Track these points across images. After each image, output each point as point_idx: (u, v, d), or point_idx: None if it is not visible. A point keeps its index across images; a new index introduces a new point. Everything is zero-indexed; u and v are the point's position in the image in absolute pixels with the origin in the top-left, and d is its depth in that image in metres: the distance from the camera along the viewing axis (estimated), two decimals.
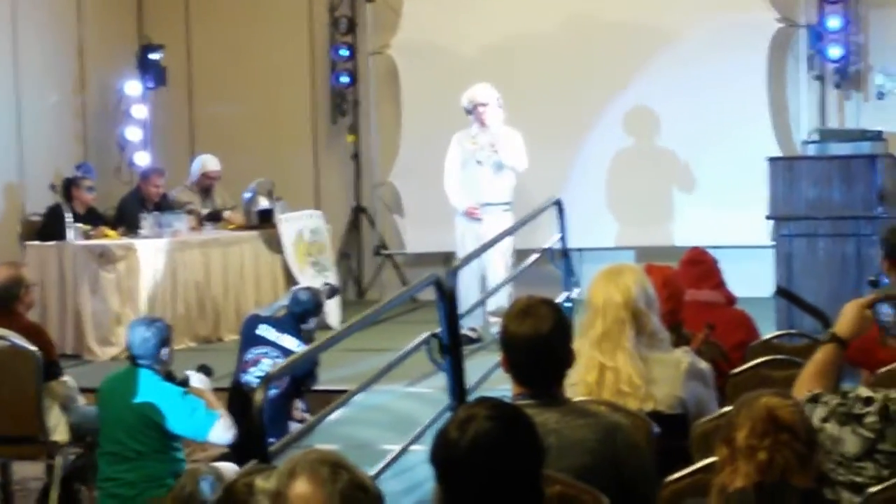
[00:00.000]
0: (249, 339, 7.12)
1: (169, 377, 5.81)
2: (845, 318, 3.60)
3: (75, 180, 9.77)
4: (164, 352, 5.76)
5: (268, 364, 6.84)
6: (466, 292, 7.91)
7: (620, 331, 4.03)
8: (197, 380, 5.96)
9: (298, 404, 6.99)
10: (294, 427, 6.44)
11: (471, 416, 2.66)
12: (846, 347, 3.56)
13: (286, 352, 6.87)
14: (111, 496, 5.62)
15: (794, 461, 2.75)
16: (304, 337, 7.13)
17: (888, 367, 4.19)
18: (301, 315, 7.20)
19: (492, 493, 2.62)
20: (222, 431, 5.71)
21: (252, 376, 6.89)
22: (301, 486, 2.34)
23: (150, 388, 5.64)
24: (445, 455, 2.65)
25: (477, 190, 8.87)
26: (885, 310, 3.60)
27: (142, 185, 10.23)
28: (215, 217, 10.20)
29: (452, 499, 2.66)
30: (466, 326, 7.74)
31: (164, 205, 10.02)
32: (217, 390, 6.22)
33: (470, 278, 8.40)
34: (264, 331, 7.06)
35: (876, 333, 3.67)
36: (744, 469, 2.77)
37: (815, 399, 3.23)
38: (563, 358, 3.48)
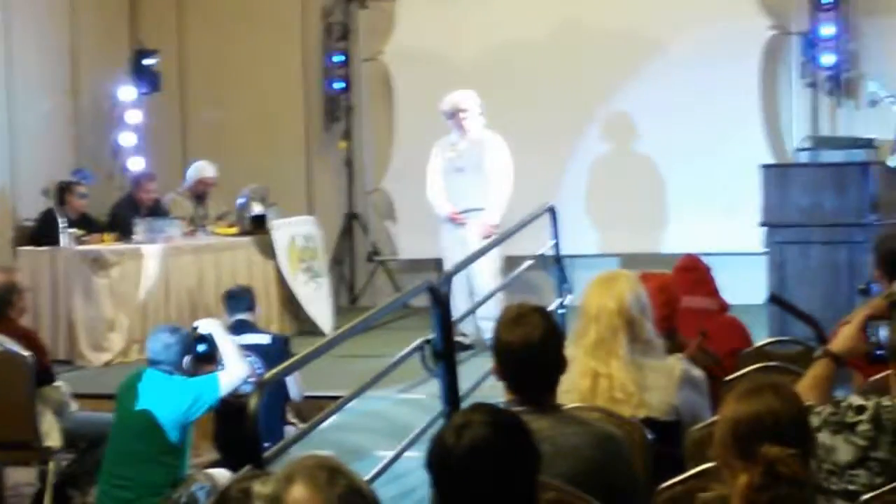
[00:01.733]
0: None
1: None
2: (842, 337, 3.64)
3: (69, 186, 9.73)
4: (186, 360, 5.74)
5: None
6: (455, 298, 7.90)
7: (614, 338, 4.05)
8: (206, 325, 5.96)
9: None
10: (289, 431, 6.43)
11: (467, 422, 2.67)
12: (841, 365, 3.59)
13: (255, 347, 6.85)
14: (109, 496, 5.60)
15: None
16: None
17: (879, 375, 4.20)
18: (250, 306, 7.16)
19: (488, 498, 2.62)
20: (231, 380, 5.73)
21: None
22: (298, 491, 2.34)
23: (152, 392, 5.61)
24: (442, 460, 2.66)
25: (460, 196, 8.94)
26: (879, 332, 3.60)
27: (134, 190, 10.22)
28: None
29: None
30: (458, 332, 7.73)
31: (157, 210, 10.00)
32: None
33: (458, 284, 8.39)
34: None
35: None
36: None
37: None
38: (555, 365, 3.47)
